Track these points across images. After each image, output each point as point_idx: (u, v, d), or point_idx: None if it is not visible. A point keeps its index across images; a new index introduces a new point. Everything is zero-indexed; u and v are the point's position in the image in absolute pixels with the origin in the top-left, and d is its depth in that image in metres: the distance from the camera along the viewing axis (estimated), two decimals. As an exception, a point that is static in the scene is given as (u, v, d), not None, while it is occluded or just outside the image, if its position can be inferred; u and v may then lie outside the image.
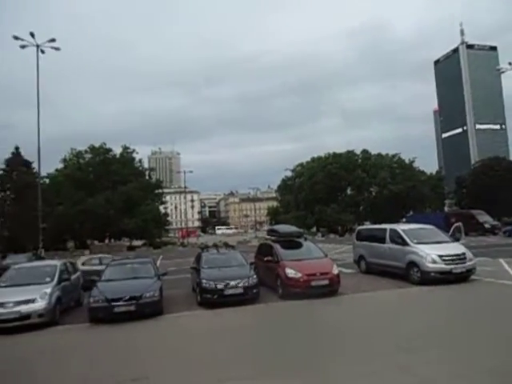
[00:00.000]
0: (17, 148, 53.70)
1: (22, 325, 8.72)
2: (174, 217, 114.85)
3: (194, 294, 12.04)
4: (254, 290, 10.61)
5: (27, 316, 8.84)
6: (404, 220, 51.96)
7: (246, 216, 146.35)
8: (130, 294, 9.20)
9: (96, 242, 59.06)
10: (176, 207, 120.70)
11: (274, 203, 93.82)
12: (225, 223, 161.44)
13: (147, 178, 69.80)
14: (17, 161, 52.69)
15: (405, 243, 12.66)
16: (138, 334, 8.24)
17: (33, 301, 9.03)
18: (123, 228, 57.81)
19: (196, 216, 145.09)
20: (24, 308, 8.85)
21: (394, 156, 73.33)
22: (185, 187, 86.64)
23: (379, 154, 73.87)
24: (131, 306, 9.08)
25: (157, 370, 5.83)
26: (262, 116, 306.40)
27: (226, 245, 14.76)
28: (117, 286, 9.67)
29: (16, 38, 27.38)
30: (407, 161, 72.04)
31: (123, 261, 12.22)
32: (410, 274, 12.18)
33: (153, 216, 62.00)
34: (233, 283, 10.30)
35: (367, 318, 8.46)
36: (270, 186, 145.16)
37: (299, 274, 10.74)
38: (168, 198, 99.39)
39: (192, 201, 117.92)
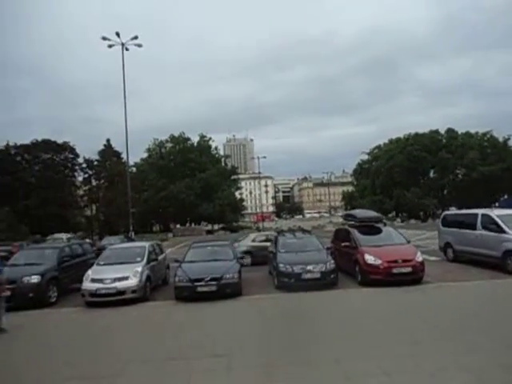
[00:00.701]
0: (108, 140, 59.10)
1: (118, 299, 9.66)
2: (248, 202, 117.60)
3: (270, 277, 12.27)
4: (332, 276, 10.46)
5: (123, 292, 9.76)
6: (497, 205, 47.11)
7: (320, 201, 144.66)
8: (211, 275, 9.66)
9: (178, 226, 62.95)
10: (251, 193, 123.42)
11: (349, 188, 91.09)
12: (298, 208, 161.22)
13: (223, 164, 72.22)
14: (108, 152, 58.05)
15: (501, 230, 11.46)
16: (219, 312, 8.63)
17: (126, 278, 9.93)
18: (202, 213, 60.80)
19: (270, 201, 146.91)
20: (119, 284, 9.78)
21: (484, 134, 66.28)
22: (259, 173, 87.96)
23: (467, 133, 67.32)
24: (213, 287, 9.53)
25: (238, 348, 6.05)
26: (335, 98, 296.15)
27: (302, 230, 14.72)
28: (199, 267, 10.21)
29: (104, 38, 29.81)
30: (501, 139, 64.59)
31: (204, 243, 12.83)
32: (508, 263, 11.03)
33: (229, 201, 64.27)
34: (310, 267, 10.26)
35: (457, 310, 7.84)
36: (344, 171, 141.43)
37: (379, 261, 10.33)
38: (243, 183, 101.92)
39: (266, 186, 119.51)
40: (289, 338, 6.47)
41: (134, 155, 72.39)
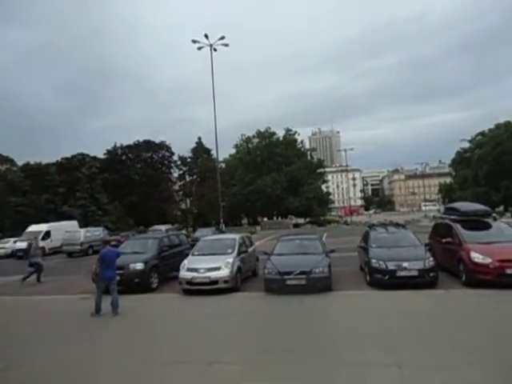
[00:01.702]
0: (199, 138, 62.66)
1: (211, 288, 10.13)
2: (335, 196, 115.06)
3: (361, 273, 11.77)
4: (431, 274, 9.62)
5: (215, 281, 10.20)
6: None
7: (413, 194, 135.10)
8: (300, 268, 9.57)
9: (265, 219, 64.20)
10: (338, 186, 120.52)
11: (447, 179, 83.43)
12: (389, 202, 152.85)
13: (309, 158, 71.55)
14: (200, 149, 61.54)
15: None
16: (308, 306, 8.51)
17: (219, 268, 10.35)
18: (289, 206, 61.15)
19: (358, 194, 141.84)
20: (212, 274, 10.24)
21: None
22: (346, 165, 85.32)
23: None
24: (302, 280, 9.44)
25: (326, 343, 5.88)
26: (429, 83, 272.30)
27: (395, 224, 13.84)
28: (288, 261, 10.19)
29: (194, 41, 31.44)
30: None
31: (292, 237, 12.79)
32: None
33: (316, 195, 63.59)
34: (406, 264, 9.57)
35: None
36: (441, 161, 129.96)
37: (489, 260, 9.19)
38: (329, 177, 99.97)
39: (354, 179, 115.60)
40: (382, 337, 6.10)
41: (223, 151, 75.64)
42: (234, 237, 12.69)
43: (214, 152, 51.74)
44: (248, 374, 5.01)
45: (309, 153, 73.84)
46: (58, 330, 7.76)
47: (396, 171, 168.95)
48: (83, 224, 36.13)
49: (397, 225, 13.60)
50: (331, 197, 78.86)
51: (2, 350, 6.55)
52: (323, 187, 72.99)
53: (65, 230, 29.03)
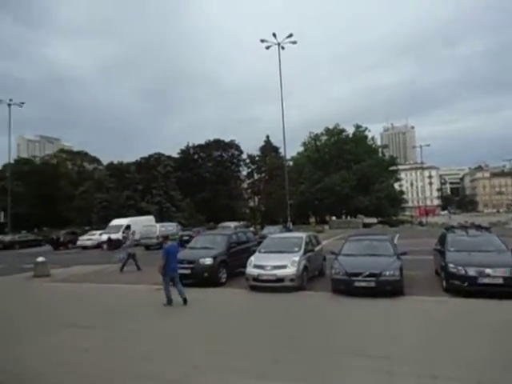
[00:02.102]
0: (267, 136, 63.35)
1: (276, 286, 10.19)
2: (409, 194, 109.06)
3: (437, 277, 11.01)
4: (520, 283, 8.67)
5: (281, 279, 10.24)
6: None
7: (500, 193, 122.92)
8: (369, 270, 9.22)
9: (334, 218, 62.95)
10: (412, 184, 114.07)
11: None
12: (471, 202, 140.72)
13: (380, 155, 68.64)
14: (268, 147, 62.25)
15: None
16: (377, 310, 8.17)
17: (285, 266, 10.36)
18: (358, 205, 59.22)
19: (435, 194, 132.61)
20: (279, 272, 10.29)
21: None
22: (421, 163, 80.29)
23: None
24: (371, 283, 9.09)
25: (398, 352, 5.58)
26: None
27: (478, 226, 12.70)
28: (356, 261, 9.88)
29: (262, 41, 31.78)
30: None
31: (361, 237, 12.37)
32: None
33: (387, 193, 60.79)
34: (489, 271, 8.73)
35: None
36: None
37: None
38: (403, 174, 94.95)
39: (430, 177, 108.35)
40: (459, 351, 5.63)
41: (291, 149, 75.66)
42: (301, 235, 12.61)
43: (281, 150, 51.91)
44: (312, 374, 4.96)
45: (380, 150, 70.73)
46: (133, 316, 8.38)
47: (479, 168, 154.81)
48: (159, 219, 38.56)
49: (479, 227, 12.47)
50: (405, 196, 74.70)
51: (86, 330, 7.25)
52: (396, 186, 69.43)
53: (143, 225, 31.26)
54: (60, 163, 68.39)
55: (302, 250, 11.19)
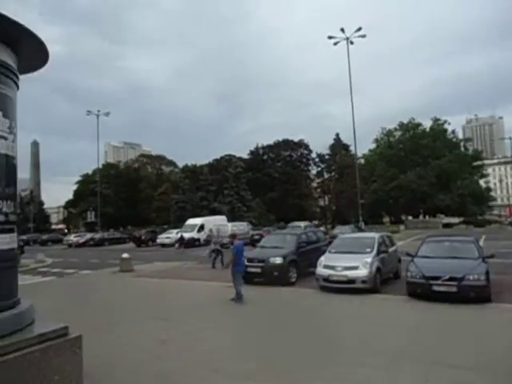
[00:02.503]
0: (337, 134, 62.06)
1: (347, 287, 9.92)
2: (498, 192, 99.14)
3: (532, 284, 9.85)
4: None
5: (353, 280, 9.94)
6: None
7: None
8: (449, 273, 8.56)
9: (410, 218, 59.54)
10: (501, 180, 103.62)
11: None
12: None
13: (462, 149, 63.36)
14: (338, 145, 60.94)
15: None
16: (458, 318, 7.55)
17: (356, 268, 10.05)
18: (437, 204, 55.28)
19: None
20: (350, 273, 10.00)
21: None
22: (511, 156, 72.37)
23: None
24: (452, 287, 8.43)
25: (483, 363, 5.09)
26: None
27: None
28: (435, 264, 9.23)
29: (330, 37, 31.16)
30: None
31: (441, 238, 11.53)
32: None
33: (471, 191, 55.84)
34: None
35: None
36: None
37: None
38: (490, 170, 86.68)
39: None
40: None
41: (363, 147, 73.11)
42: (373, 236, 12.13)
43: (352, 148, 50.41)
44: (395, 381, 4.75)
45: (462, 144, 65.21)
46: (205, 311, 8.75)
47: None
48: (230, 219, 39.76)
49: None
50: (492, 193, 68.03)
51: (164, 323, 7.73)
52: (481, 182, 63.49)
53: (215, 224, 32.48)
54: (141, 167, 73.90)
55: (375, 251, 10.75)
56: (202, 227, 33.89)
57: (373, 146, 67.57)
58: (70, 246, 40.57)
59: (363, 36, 30.67)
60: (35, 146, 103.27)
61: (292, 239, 13.21)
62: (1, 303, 3.53)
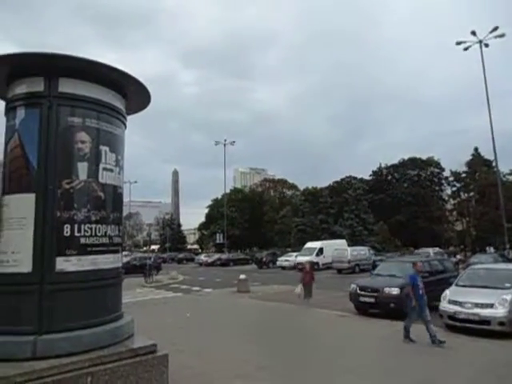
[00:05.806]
0: (475, 149, 54.79)
1: (480, 328, 8.38)
2: None
3: None
4: None
5: (487, 321, 8.38)
6: None
7: None
8: None
9: None
10: None
11: None
12: None
13: None
14: (477, 161, 53.65)
15: None
16: None
17: (491, 306, 8.46)
18: None
19: None
20: (483, 312, 8.47)
21: None
22: None
23: None
24: None
25: None
26: None
27: None
28: None
29: (458, 43, 28.14)
30: None
31: None
32: None
33: None
34: None
35: None
36: None
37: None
38: None
39: None
40: None
41: (508, 162, 62.83)
42: (516, 268, 10.13)
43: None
44: None
45: None
46: (310, 337, 8.38)
47: None
48: (351, 243, 38.21)
49: None
50: None
51: (261, 348, 7.66)
52: None
53: (334, 248, 31.56)
54: (264, 191, 77.37)
55: (517, 287, 8.92)
56: (320, 251, 33.34)
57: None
58: (200, 264, 44.51)
59: (501, 35, 26.82)
60: (175, 174, 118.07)
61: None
62: (104, 317, 3.96)
